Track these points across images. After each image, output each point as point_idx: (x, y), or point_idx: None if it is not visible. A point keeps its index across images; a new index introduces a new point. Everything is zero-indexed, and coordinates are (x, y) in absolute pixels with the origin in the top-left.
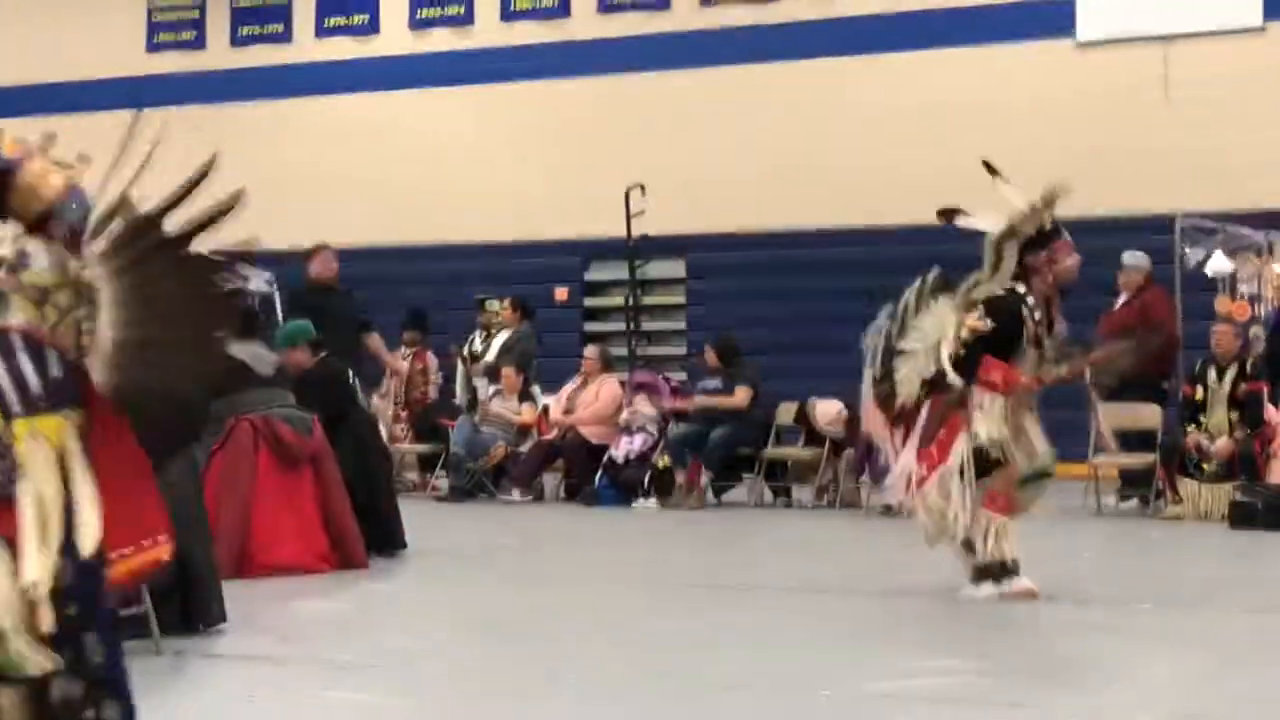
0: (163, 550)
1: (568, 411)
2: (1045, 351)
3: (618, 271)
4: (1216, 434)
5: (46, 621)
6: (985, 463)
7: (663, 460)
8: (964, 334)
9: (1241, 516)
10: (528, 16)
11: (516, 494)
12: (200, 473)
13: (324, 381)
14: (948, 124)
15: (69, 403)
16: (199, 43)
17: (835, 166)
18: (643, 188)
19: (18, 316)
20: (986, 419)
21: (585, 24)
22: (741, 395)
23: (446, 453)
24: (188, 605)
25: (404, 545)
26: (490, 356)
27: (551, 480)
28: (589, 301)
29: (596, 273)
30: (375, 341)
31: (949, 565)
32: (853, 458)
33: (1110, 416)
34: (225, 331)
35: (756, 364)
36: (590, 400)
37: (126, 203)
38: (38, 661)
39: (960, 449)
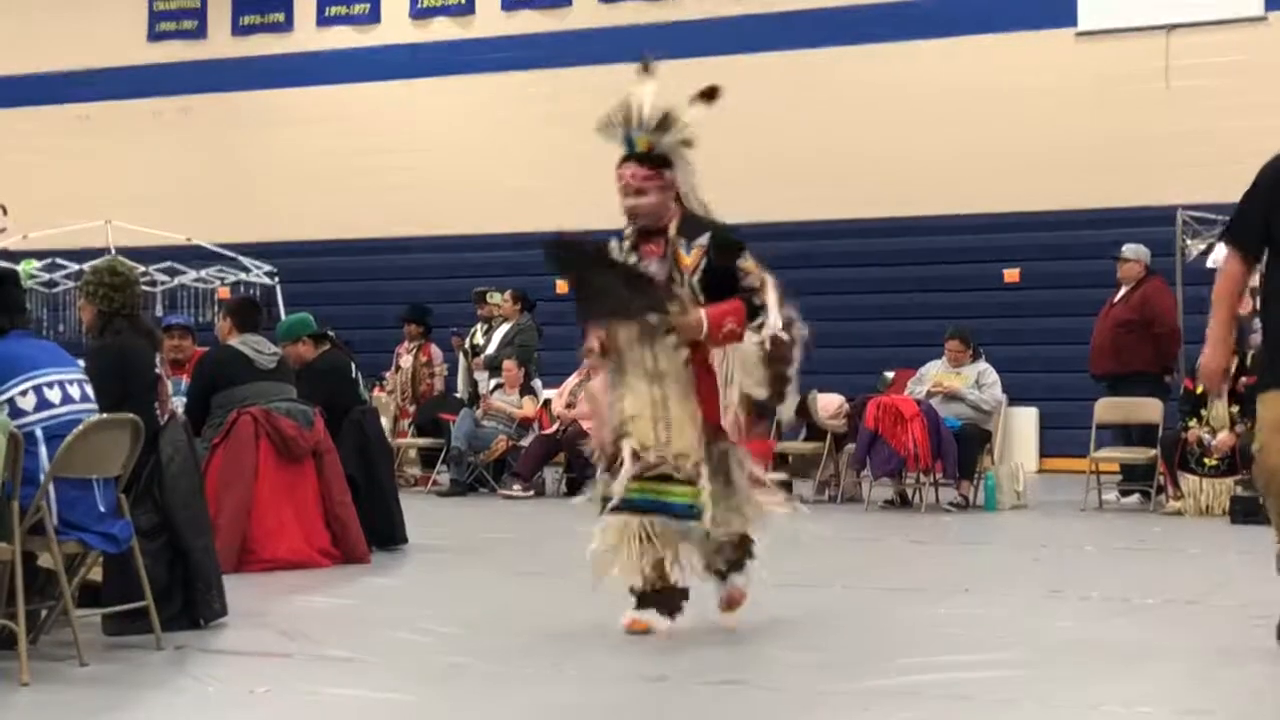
0: None
1: (570, 405)
2: None
3: None
4: (1217, 428)
5: None
6: None
7: None
8: None
9: (1243, 511)
10: (529, 6)
11: (517, 489)
12: (201, 467)
13: (326, 374)
14: (949, 114)
15: None
16: (200, 32)
17: (837, 157)
18: None
19: None
20: None
21: (587, 13)
22: None
23: (447, 447)
24: (189, 600)
25: (405, 540)
26: (491, 349)
27: (552, 475)
28: None
29: None
30: None
31: (950, 561)
32: (854, 452)
33: (1112, 410)
34: None
35: None
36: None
37: None
38: None
39: None
